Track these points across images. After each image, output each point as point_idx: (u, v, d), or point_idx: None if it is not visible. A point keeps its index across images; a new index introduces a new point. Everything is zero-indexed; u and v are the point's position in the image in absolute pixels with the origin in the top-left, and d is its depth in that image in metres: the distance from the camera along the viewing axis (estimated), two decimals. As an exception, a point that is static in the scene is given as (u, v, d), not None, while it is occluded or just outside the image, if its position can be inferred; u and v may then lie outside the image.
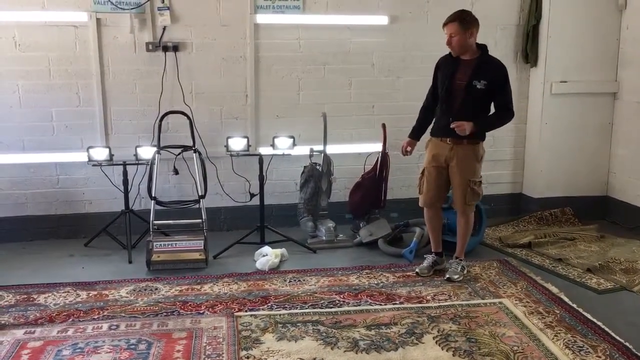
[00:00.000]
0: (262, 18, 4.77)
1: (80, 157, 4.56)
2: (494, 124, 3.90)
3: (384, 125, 4.66)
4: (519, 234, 4.93)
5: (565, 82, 5.17)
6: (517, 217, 5.34)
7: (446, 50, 5.02)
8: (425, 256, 4.13)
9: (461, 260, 4.00)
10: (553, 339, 3.07)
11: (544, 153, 5.30)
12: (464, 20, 3.65)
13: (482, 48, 3.80)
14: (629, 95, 5.15)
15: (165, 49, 4.65)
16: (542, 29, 5.12)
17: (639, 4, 4.99)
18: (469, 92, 3.70)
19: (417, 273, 3.97)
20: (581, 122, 5.28)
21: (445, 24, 3.71)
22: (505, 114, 3.83)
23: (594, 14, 5.11)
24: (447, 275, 3.90)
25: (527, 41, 5.17)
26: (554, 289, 3.71)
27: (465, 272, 3.95)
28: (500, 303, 3.52)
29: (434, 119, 3.98)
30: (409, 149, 4.09)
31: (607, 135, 5.33)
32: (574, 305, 3.46)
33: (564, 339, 3.06)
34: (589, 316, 3.32)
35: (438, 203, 3.99)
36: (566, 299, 3.55)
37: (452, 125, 3.68)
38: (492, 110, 3.88)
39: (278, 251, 4.27)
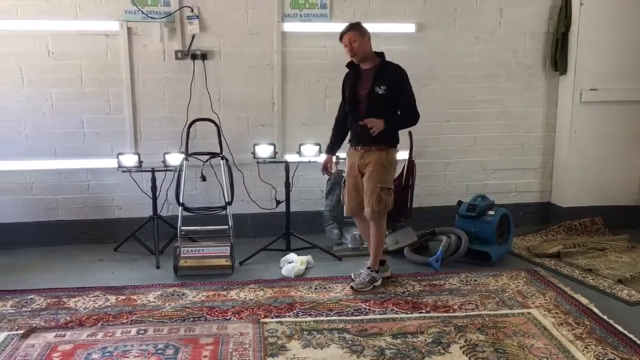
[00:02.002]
0: (289, 26, 4.81)
1: (110, 163, 4.65)
2: (400, 123, 3.90)
3: (410, 133, 4.64)
4: (547, 243, 4.86)
5: (596, 90, 5.10)
6: (545, 226, 5.27)
7: (474, 58, 5.01)
8: (365, 262, 4.12)
9: (372, 270, 3.92)
10: (583, 351, 3.01)
11: (573, 162, 5.23)
12: (359, 28, 3.79)
13: (380, 55, 3.86)
14: (661, 103, 5.06)
15: (194, 57, 4.72)
16: (572, 36, 5.07)
17: (672, 10, 4.91)
18: (371, 99, 3.75)
19: (351, 277, 3.99)
20: (612, 131, 5.19)
21: (342, 35, 3.81)
22: (410, 114, 3.83)
23: (625, 21, 5.04)
24: (351, 284, 3.86)
25: (557, 49, 5.12)
26: (584, 300, 3.64)
27: (376, 284, 3.88)
28: (529, 313, 3.47)
29: (346, 132, 4.05)
30: (327, 165, 4.16)
31: (638, 144, 5.24)
32: (605, 317, 3.39)
33: (595, 351, 3.00)
34: (620, 328, 3.25)
35: (362, 211, 3.95)
36: (596, 311, 3.49)
37: (362, 122, 3.72)
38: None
39: (304, 258, 4.28)
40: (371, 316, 3.45)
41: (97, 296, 3.76)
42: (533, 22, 5.16)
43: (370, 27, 4.87)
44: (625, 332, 3.20)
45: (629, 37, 5.06)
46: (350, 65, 3.91)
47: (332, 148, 4.14)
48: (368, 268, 3.94)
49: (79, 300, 3.70)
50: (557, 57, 5.13)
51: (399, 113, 3.85)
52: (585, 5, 4.97)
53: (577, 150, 5.20)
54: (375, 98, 3.74)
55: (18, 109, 4.64)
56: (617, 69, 5.10)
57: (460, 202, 4.67)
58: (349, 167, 3.97)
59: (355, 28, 3.79)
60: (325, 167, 4.17)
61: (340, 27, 4.79)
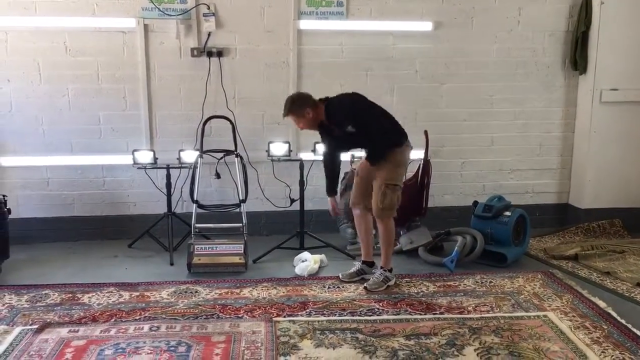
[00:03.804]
0: (305, 24, 4.79)
1: (126, 159, 4.67)
2: (376, 149, 3.80)
3: (426, 132, 4.60)
4: (564, 245, 4.79)
5: (616, 90, 5.02)
6: (563, 228, 5.20)
7: (492, 56, 4.96)
8: (354, 263, 4.12)
9: (385, 270, 3.89)
10: (600, 355, 2.95)
11: (592, 162, 5.15)
12: (294, 109, 3.75)
13: (325, 105, 3.78)
14: (683, 104, 4.97)
15: (210, 54, 4.72)
16: (592, 35, 4.99)
17: (696, 9, 4.81)
18: (350, 136, 3.75)
19: (339, 277, 3.97)
20: (632, 131, 5.11)
21: (285, 117, 3.82)
22: (378, 146, 3.76)
23: (647, 20, 4.95)
24: (365, 285, 3.82)
25: (576, 48, 5.05)
26: (602, 304, 3.57)
27: (390, 283, 3.85)
28: (545, 316, 3.41)
29: (338, 165, 4.07)
30: (334, 207, 4.14)
31: (658, 145, 5.16)
32: (623, 321, 3.32)
33: (612, 355, 2.94)
34: (638, 333, 3.17)
35: (362, 204, 3.94)
36: (614, 314, 3.42)
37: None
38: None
39: (317, 257, 4.26)
40: (384, 316, 3.42)
41: (111, 292, 3.78)
42: (552, 21, 5.09)
43: (386, 25, 4.91)
44: (644, 336, 3.14)
45: (650, 36, 4.98)
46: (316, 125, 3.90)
47: (331, 188, 4.11)
48: (381, 267, 3.91)
49: (92, 296, 3.72)
50: (577, 56, 5.06)
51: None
52: (605, 4, 4.89)
53: (597, 151, 5.13)
54: (351, 134, 3.73)
55: (35, 105, 4.68)
56: (638, 69, 5.01)
57: (476, 203, 4.62)
58: (361, 167, 3.97)
59: (292, 111, 3.76)
60: (334, 209, 4.14)
61: (357, 25, 4.84)
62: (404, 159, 3.87)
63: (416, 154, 4.67)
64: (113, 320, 3.36)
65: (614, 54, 4.97)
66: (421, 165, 4.64)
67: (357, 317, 3.40)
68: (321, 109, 3.77)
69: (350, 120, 3.71)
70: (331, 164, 4.05)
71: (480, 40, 5.04)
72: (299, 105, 3.76)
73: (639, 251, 4.58)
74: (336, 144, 3.93)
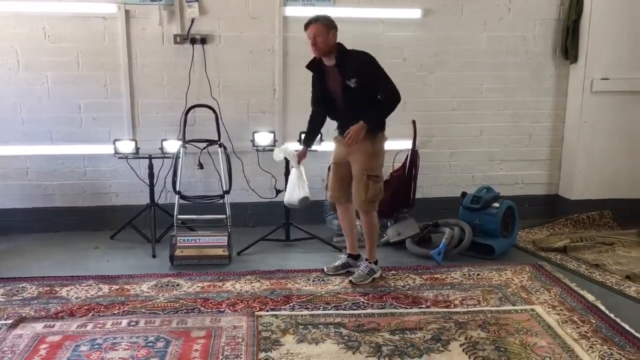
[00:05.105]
0: (291, 10, 4.68)
1: (107, 149, 4.56)
2: (382, 113, 3.69)
3: (414, 122, 4.52)
4: (553, 237, 4.73)
5: (607, 79, 4.94)
6: (552, 219, 5.15)
7: (482, 45, 4.89)
8: (340, 255, 4.06)
9: (370, 262, 3.81)
10: (588, 350, 2.90)
11: (582, 153, 5.09)
12: (325, 21, 3.58)
13: (340, 48, 3.64)
14: (674, 94, 4.91)
15: (193, 41, 4.60)
16: (583, 23, 4.90)
17: (688, -3, 4.74)
18: (347, 93, 3.59)
19: (324, 270, 3.90)
20: (623, 122, 5.05)
21: (305, 28, 3.60)
22: (389, 100, 3.64)
23: (637, 9, 4.87)
24: (350, 278, 3.73)
25: (567, 36, 4.96)
26: (590, 297, 3.52)
27: (375, 276, 3.77)
28: (532, 310, 3.36)
29: (321, 124, 3.94)
30: (302, 158, 3.95)
31: (649, 136, 5.10)
32: (612, 315, 3.27)
33: (600, 350, 2.89)
34: (627, 327, 3.13)
35: (343, 198, 3.84)
36: (603, 308, 3.37)
37: (345, 141, 3.62)
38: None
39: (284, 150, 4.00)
40: (369, 310, 3.35)
41: (90, 285, 3.68)
42: (543, 9, 5.01)
43: (374, 12, 4.78)
44: (632, 331, 3.08)
45: (642, 25, 4.90)
46: (312, 65, 3.75)
47: (308, 142, 3.97)
48: (366, 260, 3.83)
49: (71, 289, 3.62)
50: (568, 45, 4.97)
51: (379, 100, 3.67)
52: (597, -8, 4.81)
53: (587, 141, 5.06)
54: (350, 91, 3.58)
55: (14, 93, 4.55)
56: (630, 58, 4.94)
57: (464, 194, 4.55)
58: (335, 154, 3.84)
59: (321, 21, 3.58)
60: (300, 159, 3.94)
61: (344, 12, 4.72)
62: (383, 146, 3.75)
63: (404, 144, 4.62)
64: (91, 314, 3.27)
65: (605, 43, 4.89)
66: (409, 156, 4.56)
67: (342, 311, 3.33)
68: (337, 47, 3.63)
69: (367, 70, 3.57)
70: (313, 124, 3.93)
71: (470, 29, 4.95)
72: (330, 22, 3.60)
73: (629, 243, 4.54)
74: (324, 98, 3.75)
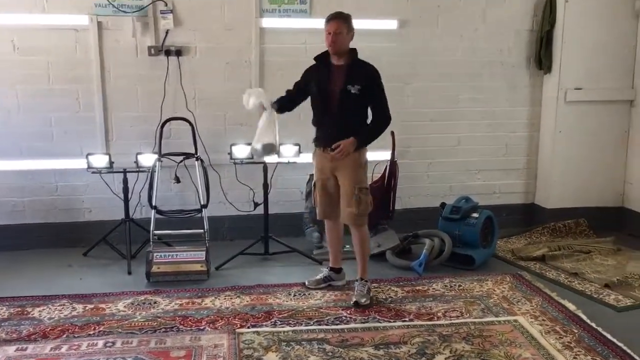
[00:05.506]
0: (267, 22, 4.65)
1: (80, 164, 4.43)
2: (373, 134, 3.66)
3: (392, 133, 4.49)
4: (532, 246, 4.76)
5: (580, 89, 5.01)
6: (529, 228, 5.18)
7: (458, 56, 4.90)
8: (321, 268, 4.02)
9: (366, 281, 3.70)
10: (572, 361, 2.90)
11: (557, 162, 5.14)
12: (348, 20, 3.56)
13: (353, 52, 3.64)
14: (646, 103, 5.00)
15: (168, 53, 4.53)
16: (556, 34, 4.96)
17: (657, 9, 4.84)
18: (344, 98, 3.54)
19: (305, 284, 3.85)
20: (596, 131, 5.12)
21: (329, 20, 3.56)
22: (382, 122, 3.63)
23: (610, 19, 4.96)
24: (354, 299, 3.58)
25: (541, 47, 5.01)
26: (571, 306, 3.53)
27: (371, 293, 3.67)
28: (515, 321, 3.35)
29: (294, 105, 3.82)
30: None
31: (623, 144, 5.18)
32: (593, 324, 3.29)
33: (584, 361, 2.90)
34: (609, 336, 3.14)
35: (333, 214, 3.77)
36: (584, 317, 3.38)
37: (333, 154, 3.55)
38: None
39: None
40: (352, 325, 3.31)
41: (64, 305, 3.56)
42: (517, 20, 5.06)
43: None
44: (614, 340, 3.10)
45: (614, 35, 4.99)
46: (319, 58, 3.68)
47: (280, 102, 3.76)
48: (361, 279, 3.71)
49: (44, 309, 3.50)
50: (542, 55, 5.03)
51: (370, 119, 3.65)
52: (570, 2, 4.88)
53: (562, 150, 5.11)
54: (348, 97, 3.52)
55: (-19, 107, 4.42)
56: (602, 68, 5.02)
57: (443, 204, 4.55)
58: (319, 170, 3.74)
59: (345, 19, 3.54)
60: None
61: (321, 23, 4.64)
62: (366, 158, 3.71)
63: (383, 156, 4.60)
64: (65, 336, 3.16)
65: (578, 53, 4.96)
66: (388, 167, 4.55)
67: (324, 327, 3.28)
68: (350, 51, 3.61)
69: (373, 82, 3.55)
70: (288, 99, 3.80)
71: (446, 39, 4.98)
72: (351, 20, 3.58)
73: (605, 251, 4.59)
74: (322, 103, 3.62)
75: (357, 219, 3.64)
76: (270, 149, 3.72)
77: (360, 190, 3.60)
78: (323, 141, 3.67)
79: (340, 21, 3.53)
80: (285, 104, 3.80)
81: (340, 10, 3.63)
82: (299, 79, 3.80)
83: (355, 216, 3.62)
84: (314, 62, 3.72)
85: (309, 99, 3.77)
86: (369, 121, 3.68)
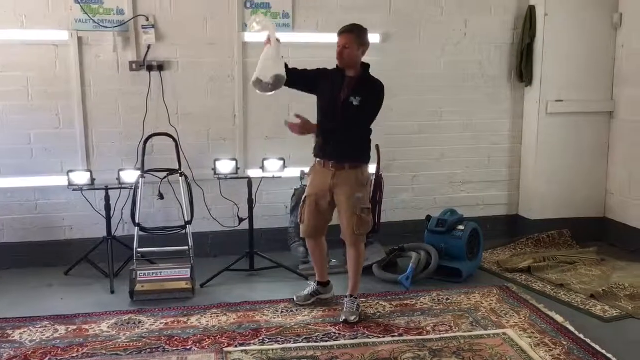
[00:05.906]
0: (250, 36, 4.62)
1: (60, 181, 4.36)
2: (356, 146, 3.64)
3: (377, 147, 4.49)
4: (517, 257, 4.77)
5: (561, 101, 5.07)
6: (514, 239, 5.19)
7: (440, 69, 4.93)
8: (308, 283, 3.99)
9: (356, 298, 3.66)
10: (563, 374, 2.90)
11: (539, 174, 5.18)
12: (360, 35, 3.55)
13: (365, 67, 3.66)
14: (625, 114, 5.07)
15: (150, 68, 4.48)
16: (536, 47, 5.02)
17: (634, 22, 4.92)
18: (346, 109, 3.53)
19: (293, 300, 3.81)
20: (577, 142, 5.17)
21: (340, 33, 3.55)
22: (361, 121, 3.57)
23: (589, 32, 5.03)
24: (343, 317, 3.52)
25: (522, 60, 5.07)
26: (559, 318, 3.55)
27: (360, 310, 3.63)
28: (504, 334, 3.35)
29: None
30: None
31: (603, 155, 5.24)
32: (581, 336, 3.30)
33: (574, 373, 2.90)
34: (597, 348, 3.16)
35: (319, 234, 3.76)
36: (572, 329, 3.39)
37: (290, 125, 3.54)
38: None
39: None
40: (341, 341, 3.27)
41: (45, 327, 3.47)
42: (498, 33, 5.11)
43: (333, 37, 4.72)
44: (603, 351, 3.12)
45: (594, 47, 5.06)
46: (338, 67, 3.63)
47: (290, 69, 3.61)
48: (351, 296, 3.67)
49: (24, 331, 3.41)
50: (523, 68, 5.08)
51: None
52: (549, 16, 4.94)
53: (544, 162, 5.16)
54: (349, 108, 3.51)
55: (-41, 124, 4.32)
56: (583, 80, 5.09)
57: (429, 217, 4.55)
58: (314, 186, 3.68)
59: (356, 34, 3.52)
60: None
61: (303, 37, 4.69)
62: (368, 179, 3.71)
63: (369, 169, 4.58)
64: (47, 359, 3.09)
65: (558, 66, 5.02)
66: (373, 180, 4.53)
67: (313, 344, 3.24)
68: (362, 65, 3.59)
69: (373, 94, 3.54)
70: (295, 73, 3.64)
71: (428, 53, 5.01)
72: (364, 38, 3.55)
73: (590, 262, 4.62)
74: (329, 110, 3.57)
75: (354, 238, 3.62)
76: (279, 81, 3.51)
77: (362, 210, 3.57)
78: (322, 153, 3.63)
79: (350, 35, 3.51)
80: (289, 70, 3.63)
81: (356, 23, 3.59)
82: (314, 68, 3.71)
83: (353, 235, 3.60)
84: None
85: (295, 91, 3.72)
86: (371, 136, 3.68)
